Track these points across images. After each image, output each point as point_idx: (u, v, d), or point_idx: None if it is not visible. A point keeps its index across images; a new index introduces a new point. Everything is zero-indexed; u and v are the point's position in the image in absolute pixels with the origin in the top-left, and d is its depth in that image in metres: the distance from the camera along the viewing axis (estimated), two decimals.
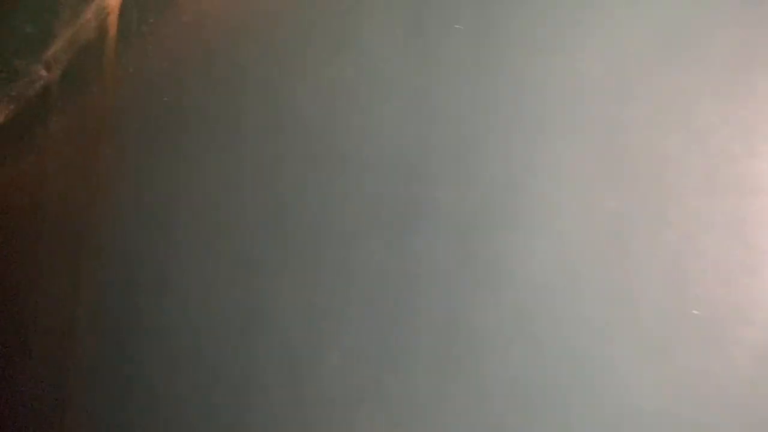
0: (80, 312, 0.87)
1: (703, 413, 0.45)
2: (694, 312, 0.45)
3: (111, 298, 0.84)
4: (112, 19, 0.86)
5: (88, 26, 0.87)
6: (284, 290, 0.69)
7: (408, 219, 0.58)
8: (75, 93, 0.91)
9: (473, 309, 0.57)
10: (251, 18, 0.70)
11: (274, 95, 0.69)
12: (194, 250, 0.77)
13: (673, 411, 0.46)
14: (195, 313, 0.77)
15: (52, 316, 0.89)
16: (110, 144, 0.85)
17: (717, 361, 0.43)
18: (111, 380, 0.83)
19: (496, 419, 0.52)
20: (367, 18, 0.60)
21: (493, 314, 0.56)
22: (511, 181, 0.55)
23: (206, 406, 0.73)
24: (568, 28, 0.52)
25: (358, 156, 0.63)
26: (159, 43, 0.78)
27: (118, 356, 0.83)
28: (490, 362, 0.53)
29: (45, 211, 0.98)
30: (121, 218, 0.83)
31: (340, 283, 0.65)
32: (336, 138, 0.64)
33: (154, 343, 0.79)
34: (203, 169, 0.76)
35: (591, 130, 0.50)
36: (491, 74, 0.55)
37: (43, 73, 0.92)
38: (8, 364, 0.92)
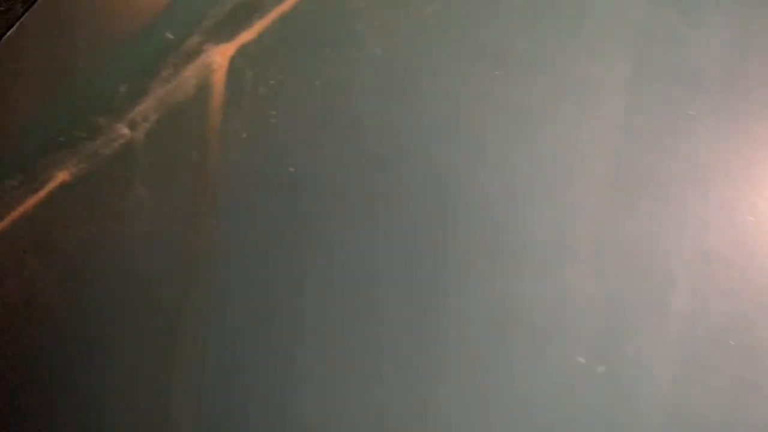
0: (175, 403, 0.78)
1: None
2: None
3: (212, 394, 0.74)
4: (218, 78, 0.77)
5: (186, 84, 0.78)
6: (446, 400, 0.61)
7: (627, 336, 0.51)
8: (165, 155, 0.81)
9: None
10: (412, 80, 0.63)
11: (441, 174, 0.61)
12: (322, 347, 0.68)
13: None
14: (321, 417, 0.68)
15: (140, 409, 0.79)
16: (216, 216, 0.77)
17: None
18: None
19: None
20: (574, 93, 0.53)
21: None
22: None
23: None
24: None
25: (553, 248, 0.56)
26: (284, 108, 0.69)
27: None
28: None
29: (124, 283, 0.88)
30: (229, 306, 0.73)
31: (514, 391, 0.57)
32: (521, 227, 0.56)
33: None
34: (339, 255, 0.67)
35: None
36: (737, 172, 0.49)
37: (125, 131, 0.82)
38: None
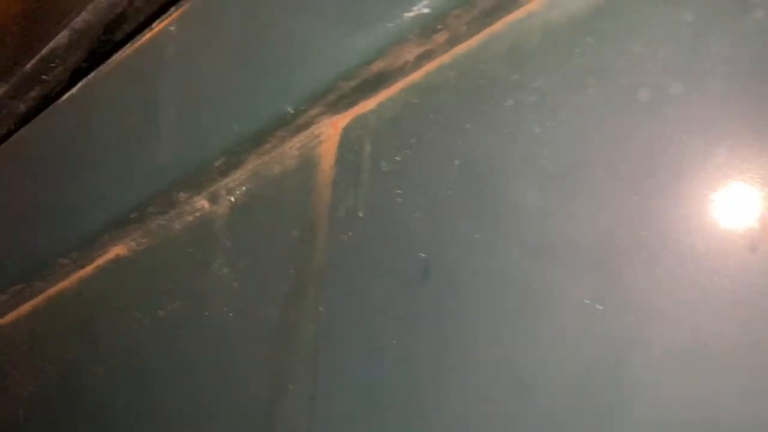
0: None
1: None
2: None
3: None
4: (327, 150, 0.69)
5: (286, 154, 0.70)
6: None
7: None
8: (256, 233, 0.73)
9: None
10: (579, 165, 0.57)
11: (607, 270, 0.56)
12: None
13: None
14: None
15: None
16: (323, 303, 0.68)
17: None
18: None
19: None
20: None
21: None
22: None
23: None
24: None
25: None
26: (414, 187, 0.62)
27: None
28: None
29: (202, 376, 0.78)
30: (336, 411, 0.64)
31: None
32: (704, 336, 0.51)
33: None
34: (478, 358, 0.60)
35: None
36: None
37: (203, 203, 0.74)
38: None
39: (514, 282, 0.58)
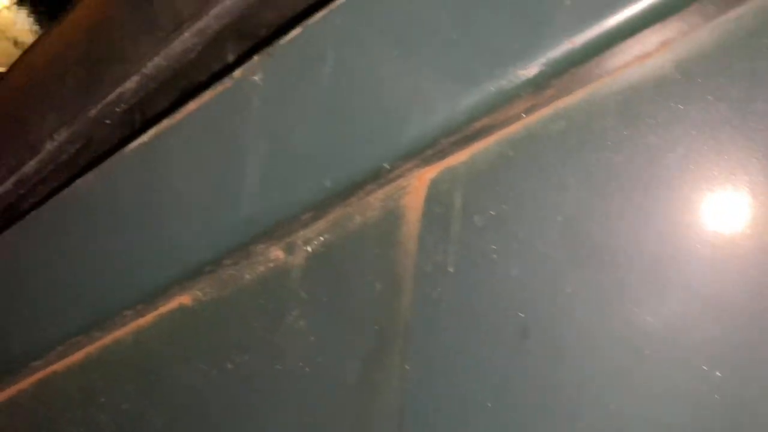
0: None
1: None
2: None
3: None
4: (412, 202, 0.67)
5: (368, 205, 0.68)
6: None
7: None
8: (335, 285, 0.70)
9: None
10: (705, 216, 0.55)
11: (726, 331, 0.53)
12: None
13: None
14: None
15: None
16: (409, 360, 0.66)
17: None
18: None
19: None
20: None
21: None
22: None
23: None
24: None
25: None
26: (511, 243, 0.60)
27: None
28: None
29: None
30: None
31: None
32: None
33: None
34: (587, 427, 0.58)
35: None
36: None
37: (279, 255, 0.71)
38: None
39: (623, 345, 0.56)
